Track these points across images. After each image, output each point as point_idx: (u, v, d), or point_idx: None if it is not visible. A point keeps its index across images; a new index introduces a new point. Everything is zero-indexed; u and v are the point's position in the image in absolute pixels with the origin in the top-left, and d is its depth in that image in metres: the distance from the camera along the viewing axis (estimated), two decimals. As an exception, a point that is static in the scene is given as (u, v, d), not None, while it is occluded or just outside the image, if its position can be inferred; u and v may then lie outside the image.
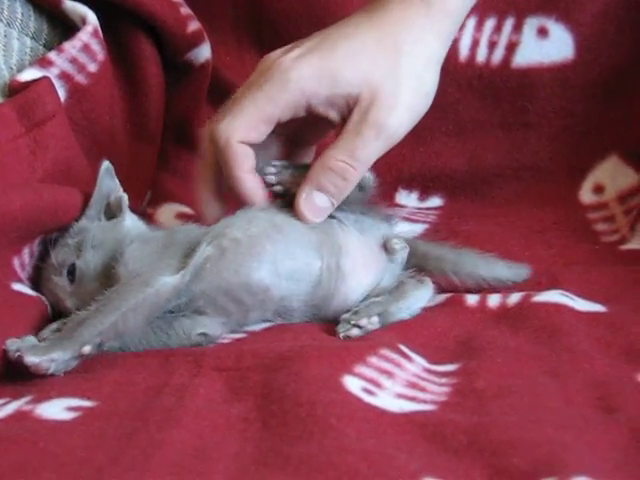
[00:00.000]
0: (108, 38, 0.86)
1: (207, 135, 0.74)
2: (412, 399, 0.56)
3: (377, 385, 0.57)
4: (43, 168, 0.71)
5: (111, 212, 0.72)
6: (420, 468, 0.46)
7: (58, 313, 0.68)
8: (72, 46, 0.80)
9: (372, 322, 0.68)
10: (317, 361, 0.59)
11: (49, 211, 0.67)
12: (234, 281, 0.67)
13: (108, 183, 0.72)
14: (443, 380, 0.59)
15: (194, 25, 0.93)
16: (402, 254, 0.74)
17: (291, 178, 0.73)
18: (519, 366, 0.60)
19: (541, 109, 0.99)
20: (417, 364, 0.62)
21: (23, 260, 0.68)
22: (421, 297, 0.72)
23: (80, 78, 0.80)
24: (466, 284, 0.75)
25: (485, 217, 0.95)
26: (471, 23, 0.98)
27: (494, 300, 0.73)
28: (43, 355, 0.59)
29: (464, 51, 0.98)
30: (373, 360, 0.60)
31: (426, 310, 0.72)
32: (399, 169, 1.00)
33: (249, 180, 0.72)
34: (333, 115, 0.72)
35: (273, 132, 0.73)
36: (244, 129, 0.71)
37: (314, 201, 0.72)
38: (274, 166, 0.74)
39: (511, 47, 0.98)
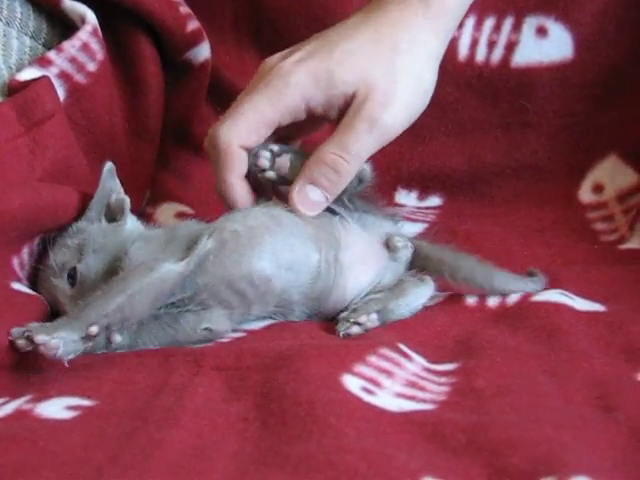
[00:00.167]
0: (107, 37, 0.86)
1: (208, 138, 0.75)
2: (411, 398, 0.56)
3: (376, 384, 0.57)
4: (42, 167, 0.71)
5: (111, 213, 0.72)
6: (419, 467, 0.46)
7: (58, 312, 0.68)
8: (71, 45, 0.80)
9: (371, 319, 0.68)
10: (316, 360, 0.59)
11: (48, 210, 0.67)
12: (236, 272, 0.67)
13: (110, 184, 0.72)
14: (442, 379, 0.59)
15: (193, 24, 0.93)
16: (405, 252, 0.75)
17: (289, 163, 0.73)
18: (518, 365, 0.60)
19: (540, 108, 0.99)
20: (416, 363, 0.62)
21: (22, 260, 0.68)
22: (421, 294, 0.72)
23: (79, 77, 0.80)
24: (462, 288, 0.74)
25: (484, 216, 0.95)
26: (470, 22, 0.98)
27: (493, 299, 0.73)
28: (52, 333, 0.59)
29: (463, 50, 0.98)
30: (372, 359, 0.60)
31: (426, 309, 0.72)
32: (398, 168, 1.00)
33: (240, 186, 0.73)
34: (333, 115, 0.73)
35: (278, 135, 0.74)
36: (245, 133, 0.72)
37: (307, 195, 0.72)
38: (270, 150, 0.73)
39: (510, 46, 0.98)
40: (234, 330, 0.70)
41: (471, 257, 0.75)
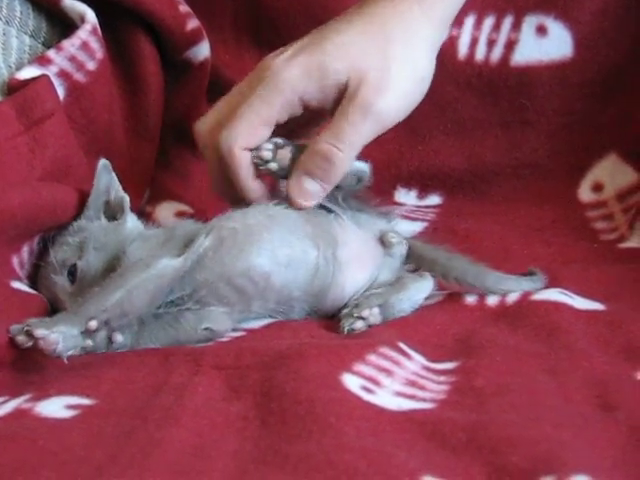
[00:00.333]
0: (107, 36, 0.86)
1: (201, 138, 0.75)
2: (411, 397, 0.56)
3: (376, 383, 0.57)
4: (42, 166, 0.71)
5: (111, 211, 0.72)
6: (419, 466, 0.46)
7: (57, 311, 0.68)
8: (71, 44, 0.80)
9: (373, 314, 0.68)
10: (316, 359, 0.59)
11: (48, 209, 0.67)
12: (235, 268, 0.68)
13: (106, 181, 0.72)
14: (442, 378, 0.59)
15: (193, 23, 0.93)
16: (400, 248, 0.75)
17: (290, 155, 0.73)
18: (518, 364, 0.60)
19: (540, 107, 0.99)
20: (416, 362, 0.62)
21: (22, 258, 0.68)
22: (422, 288, 0.72)
23: (79, 76, 0.80)
24: (454, 288, 0.75)
25: (484, 215, 0.95)
26: (470, 21, 0.98)
27: (493, 298, 0.73)
28: (52, 327, 0.59)
29: (463, 49, 0.98)
30: (372, 358, 0.60)
31: (425, 308, 0.72)
32: (398, 167, 1.00)
33: (255, 187, 0.74)
34: (329, 106, 0.73)
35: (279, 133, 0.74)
36: (245, 136, 0.72)
37: (303, 185, 0.72)
38: (274, 143, 0.73)
39: (510, 45, 0.98)
40: (234, 329, 0.70)
41: (463, 258, 0.75)
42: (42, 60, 0.78)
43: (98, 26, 0.83)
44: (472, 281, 0.73)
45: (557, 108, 0.99)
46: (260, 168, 0.73)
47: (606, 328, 0.65)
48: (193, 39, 0.93)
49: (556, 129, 0.99)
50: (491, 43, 0.98)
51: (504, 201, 0.98)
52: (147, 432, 0.50)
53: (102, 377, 0.59)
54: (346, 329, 0.68)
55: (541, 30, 0.98)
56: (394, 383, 0.58)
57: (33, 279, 0.70)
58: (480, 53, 0.99)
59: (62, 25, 0.84)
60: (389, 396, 0.56)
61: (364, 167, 0.75)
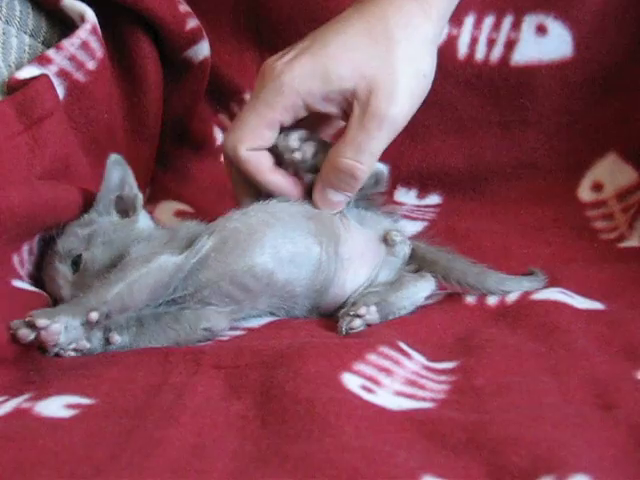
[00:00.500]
0: (107, 35, 0.85)
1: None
2: (411, 397, 0.56)
3: (376, 383, 0.57)
4: (42, 165, 0.71)
5: (124, 206, 0.73)
6: (419, 465, 0.46)
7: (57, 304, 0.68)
8: (71, 44, 0.80)
9: (370, 312, 0.68)
10: (316, 359, 0.59)
11: (48, 208, 0.67)
12: (238, 267, 0.68)
13: (119, 176, 0.73)
14: (442, 378, 0.59)
15: (193, 22, 0.93)
16: (402, 247, 0.75)
17: (314, 150, 0.74)
18: (518, 364, 0.60)
19: (540, 107, 0.99)
20: (416, 361, 0.62)
21: (22, 257, 0.68)
22: (422, 288, 0.72)
23: (79, 76, 0.80)
24: (455, 288, 0.75)
25: (484, 215, 0.96)
26: (470, 21, 0.98)
27: (493, 298, 0.73)
28: (54, 317, 0.60)
29: (463, 49, 0.98)
30: (372, 358, 0.60)
31: (425, 308, 0.72)
32: (397, 167, 1.00)
33: (274, 180, 0.74)
34: (333, 110, 0.73)
35: None
36: (249, 138, 0.73)
37: (328, 197, 0.74)
38: (301, 133, 0.74)
39: (510, 45, 0.98)
40: (234, 328, 0.70)
41: (464, 259, 0.75)
42: (42, 59, 0.78)
43: (98, 26, 0.83)
44: (473, 282, 0.74)
45: (557, 108, 0.99)
46: (284, 157, 0.74)
47: (606, 327, 0.65)
48: (193, 38, 0.93)
49: (556, 128, 0.99)
50: (491, 43, 0.98)
51: (504, 200, 0.98)
52: (147, 431, 0.50)
53: (102, 377, 0.59)
54: (344, 329, 0.68)
55: (541, 30, 0.98)
56: (394, 382, 0.58)
57: (38, 266, 0.71)
58: (480, 53, 0.99)
59: (62, 24, 0.84)
60: (389, 396, 0.56)
61: (382, 168, 0.76)
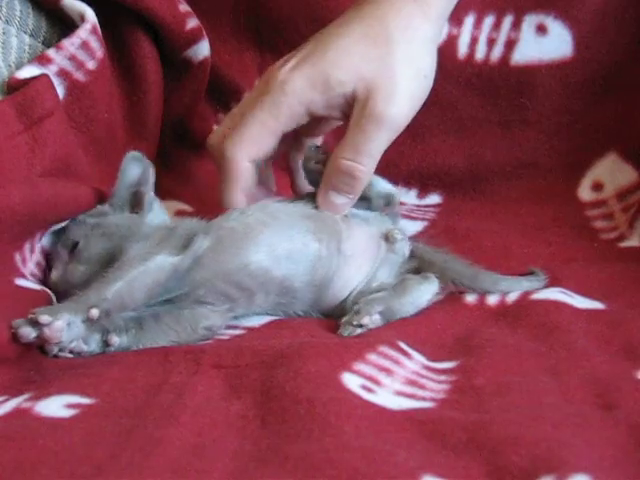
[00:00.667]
0: (107, 35, 0.85)
1: (212, 152, 0.77)
2: (411, 396, 0.56)
3: (376, 382, 0.57)
4: (42, 165, 0.71)
5: (136, 203, 0.74)
6: (419, 465, 0.46)
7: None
8: (71, 43, 0.80)
9: (374, 320, 0.68)
10: (316, 358, 0.59)
11: (48, 205, 0.67)
12: (233, 266, 0.68)
13: (136, 173, 0.74)
14: (442, 377, 0.59)
15: (193, 22, 0.93)
16: (403, 245, 0.76)
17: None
18: (518, 363, 0.60)
19: (540, 106, 0.99)
20: (416, 361, 0.62)
21: (24, 256, 0.68)
22: (425, 291, 0.72)
23: (79, 75, 0.80)
24: (451, 289, 0.75)
25: (484, 214, 0.95)
26: (470, 21, 0.98)
27: (493, 298, 0.73)
28: (56, 314, 0.60)
29: (463, 49, 0.98)
30: (372, 357, 0.60)
31: (425, 307, 0.72)
32: (397, 166, 1.00)
33: (243, 200, 0.75)
34: (336, 115, 0.74)
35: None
36: (251, 146, 0.74)
37: (331, 200, 0.74)
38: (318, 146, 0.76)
39: (510, 44, 0.98)
40: (234, 327, 0.70)
41: (460, 260, 0.75)
42: (42, 59, 0.78)
43: (98, 25, 0.83)
44: (469, 283, 0.74)
45: (557, 107, 0.99)
46: (311, 166, 0.76)
47: (606, 327, 0.65)
48: (193, 38, 0.93)
49: (556, 128, 0.99)
50: (491, 42, 0.98)
51: (504, 200, 0.98)
52: (147, 431, 0.50)
53: (102, 376, 0.59)
54: (346, 335, 0.67)
55: (541, 29, 0.98)
56: (394, 382, 0.58)
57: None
58: (480, 52, 0.99)
59: (62, 24, 0.84)
60: (389, 395, 0.56)
61: (393, 191, 0.77)
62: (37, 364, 0.61)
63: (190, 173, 1.00)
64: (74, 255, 0.70)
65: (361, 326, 0.67)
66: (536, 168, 1.00)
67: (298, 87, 0.72)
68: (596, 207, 0.96)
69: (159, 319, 0.67)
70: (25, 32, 0.82)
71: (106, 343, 0.65)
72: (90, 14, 0.82)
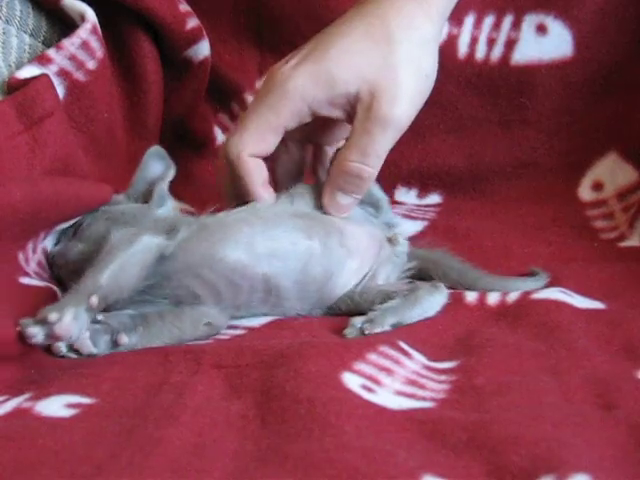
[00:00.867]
0: (107, 35, 0.86)
1: (220, 152, 0.77)
2: (411, 396, 0.56)
3: (376, 382, 0.57)
4: (42, 165, 0.71)
5: (151, 197, 0.75)
6: (419, 465, 0.46)
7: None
8: (71, 43, 0.80)
9: (384, 330, 0.68)
10: (316, 358, 0.59)
11: (50, 203, 0.67)
12: (203, 260, 0.68)
13: (157, 169, 0.76)
14: (442, 377, 0.59)
15: (193, 22, 0.93)
16: (404, 246, 0.77)
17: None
18: (518, 363, 0.60)
19: (540, 106, 0.99)
20: (416, 361, 0.62)
21: (27, 255, 0.69)
22: (435, 302, 0.71)
23: (79, 75, 0.80)
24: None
25: (484, 214, 0.96)
26: (470, 20, 0.98)
27: (493, 297, 0.73)
28: (62, 308, 0.60)
29: (463, 48, 0.98)
30: (372, 357, 0.60)
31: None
32: (398, 166, 1.00)
33: (263, 193, 0.75)
34: (338, 114, 0.74)
35: (292, 138, 0.77)
36: (253, 142, 0.74)
37: (337, 201, 0.75)
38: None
39: (510, 44, 0.98)
40: (234, 327, 0.70)
41: (459, 262, 0.76)
42: (42, 59, 0.78)
43: (98, 25, 0.83)
44: (468, 285, 0.75)
45: (557, 107, 0.99)
46: None
47: (606, 327, 0.65)
48: (193, 38, 0.93)
49: (556, 128, 0.99)
50: (491, 42, 0.98)
51: (504, 200, 0.98)
52: (147, 431, 0.50)
53: (102, 376, 0.59)
54: (349, 337, 0.67)
55: (541, 29, 0.98)
56: (394, 382, 0.58)
57: None
58: (480, 52, 0.99)
59: (62, 24, 0.84)
60: (389, 395, 0.56)
61: (381, 195, 0.79)
62: (37, 364, 0.61)
63: (190, 173, 1.00)
64: (76, 233, 0.71)
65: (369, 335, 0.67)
66: (536, 168, 1.00)
67: (300, 84, 0.72)
68: (596, 207, 0.96)
69: (163, 317, 0.67)
70: (25, 32, 0.82)
71: (115, 343, 0.64)
72: (90, 14, 0.82)
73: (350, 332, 0.67)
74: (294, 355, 0.59)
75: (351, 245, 0.73)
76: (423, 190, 1.01)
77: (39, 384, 0.58)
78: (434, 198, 1.01)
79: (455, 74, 0.99)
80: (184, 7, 0.92)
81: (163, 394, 0.56)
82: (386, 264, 0.75)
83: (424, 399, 0.56)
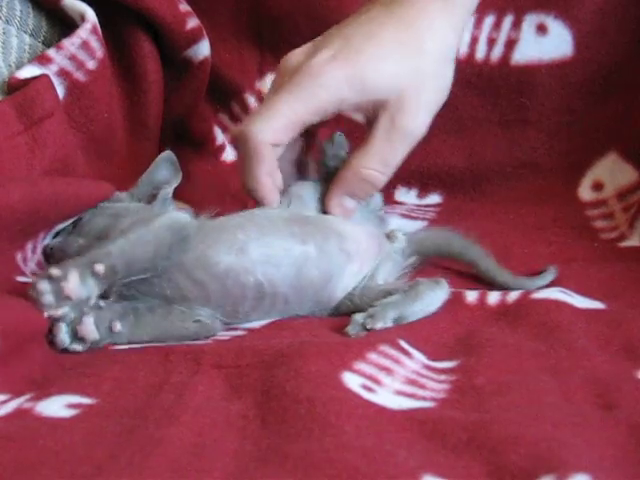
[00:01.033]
0: (107, 35, 0.86)
1: (238, 134, 0.75)
2: (411, 396, 0.56)
3: (376, 382, 0.57)
4: (41, 166, 0.71)
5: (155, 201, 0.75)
6: (419, 465, 0.46)
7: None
8: (71, 43, 0.80)
9: (386, 326, 0.68)
10: (316, 358, 0.58)
11: (49, 203, 0.67)
12: (206, 262, 0.68)
13: (164, 175, 0.76)
14: (442, 377, 0.59)
15: (193, 22, 0.93)
16: (402, 241, 0.77)
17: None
18: (518, 363, 0.60)
19: (540, 106, 0.99)
20: (416, 360, 0.62)
21: (26, 255, 0.69)
22: (436, 298, 0.71)
23: (79, 75, 0.80)
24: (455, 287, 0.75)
25: (484, 214, 0.96)
26: (470, 20, 0.98)
27: (494, 297, 0.73)
28: (65, 267, 0.60)
29: (463, 48, 0.98)
30: (372, 356, 0.60)
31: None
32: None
33: (269, 182, 0.74)
34: (359, 118, 0.74)
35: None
36: (277, 133, 0.72)
37: (344, 204, 0.75)
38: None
39: (510, 44, 0.98)
40: (234, 328, 0.70)
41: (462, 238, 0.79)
42: (42, 59, 0.78)
43: (98, 25, 0.83)
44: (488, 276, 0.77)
45: (557, 107, 0.99)
46: (330, 164, 0.78)
47: (606, 327, 0.65)
48: (193, 38, 0.93)
49: (556, 128, 1.00)
50: (491, 42, 0.99)
51: (504, 200, 0.98)
52: (147, 431, 0.50)
53: (103, 376, 0.59)
54: (352, 335, 0.67)
55: (541, 29, 0.98)
56: (394, 382, 0.58)
57: None
58: (480, 52, 0.99)
59: (62, 24, 0.84)
60: (389, 395, 0.56)
61: (376, 195, 0.79)
62: (38, 364, 0.61)
63: (190, 173, 1.00)
64: (76, 228, 0.71)
65: (371, 330, 0.67)
66: (536, 168, 1.00)
67: (334, 83, 0.71)
68: (596, 207, 0.96)
69: (153, 311, 0.67)
70: (25, 32, 0.82)
71: (110, 330, 0.64)
72: (90, 14, 0.82)
73: (352, 329, 0.67)
74: (294, 355, 0.59)
75: (351, 249, 0.72)
76: (423, 190, 1.01)
77: (40, 384, 0.58)
78: (434, 198, 1.01)
79: (455, 74, 0.98)
80: (184, 7, 0.93)
81: (163, 394, 0.56)
82: (386, 262, 0.75)
83: (424, 399, 0.56)
